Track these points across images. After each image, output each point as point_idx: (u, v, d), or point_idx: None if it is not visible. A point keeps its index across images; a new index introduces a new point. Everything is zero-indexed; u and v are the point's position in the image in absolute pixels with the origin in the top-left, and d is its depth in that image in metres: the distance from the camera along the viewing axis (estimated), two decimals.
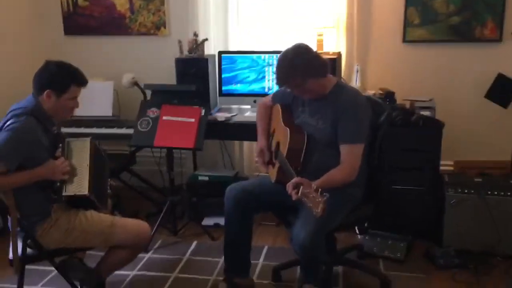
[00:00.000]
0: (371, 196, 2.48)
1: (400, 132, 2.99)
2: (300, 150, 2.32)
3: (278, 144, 2.47)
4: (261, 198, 2.50)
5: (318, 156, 2.34)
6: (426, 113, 3.10)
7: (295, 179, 2.06)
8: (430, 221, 3.08)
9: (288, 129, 2.35)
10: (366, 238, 3.06)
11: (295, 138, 2.33)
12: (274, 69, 2.42)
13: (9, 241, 2.21)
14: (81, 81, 2.26)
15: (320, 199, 1.88)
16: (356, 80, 3.32)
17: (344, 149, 2.27)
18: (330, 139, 2.32)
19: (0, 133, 2.10)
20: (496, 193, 2.87)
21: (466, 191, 2.92)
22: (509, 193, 2.86)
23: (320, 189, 1.92)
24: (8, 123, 2.11)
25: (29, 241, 2.20)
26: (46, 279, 2.79)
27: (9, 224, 2.21)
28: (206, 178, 3.50)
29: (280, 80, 2.32)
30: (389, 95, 3.21)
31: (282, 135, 2.41)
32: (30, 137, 2.11)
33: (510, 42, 3.39)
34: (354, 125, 2.27)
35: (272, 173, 2.47)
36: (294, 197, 2.01)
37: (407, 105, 3.22)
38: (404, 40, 3.50)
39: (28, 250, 2.22)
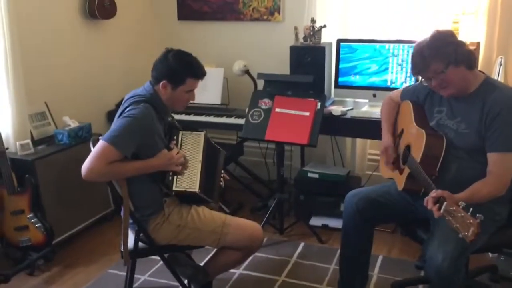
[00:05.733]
0: None
1: None
2: (438, 157, 2.00)
3: (408, 147, 2.17)
4: (386, 209, 2.23)
5: (457, 165, 2.01)
6: None
7: (436, 192, 1.76)
8: None
9: (423, 131, 2.04)
10: (501, 258, 2.65)
11: (432, 142, 2.01)
12: (409, 58, 2.10)
13: (120, 227, 2.16)
14: (198, 74, 2.15)
15: (471, 221, 1.57)
16: (498, 76, 2.86)
17: (493, 158, 1.93)
18: (474, 146, 1.98)
19: (118, 120, 2.05)
20: None
21: None
22: None
23: (471, 208, 1.61)
24: (126, 110, 2.06)
25: (141, 235, 2.13)
26: (153, 269, 2.76)
27: (122, 214, 2.15)
28: (316, 176, 3.26)
29: (415, 67, 2.00)
30: None
31: (414, 138, 2.11)
32: (147, 124, 2.04)
33: None
34: (509, 130, 1.91)
35: (400, 180, 2.18)
36: (436, 214, 1.74)
37: None
38: None
39: (139, 243, 2.16)
